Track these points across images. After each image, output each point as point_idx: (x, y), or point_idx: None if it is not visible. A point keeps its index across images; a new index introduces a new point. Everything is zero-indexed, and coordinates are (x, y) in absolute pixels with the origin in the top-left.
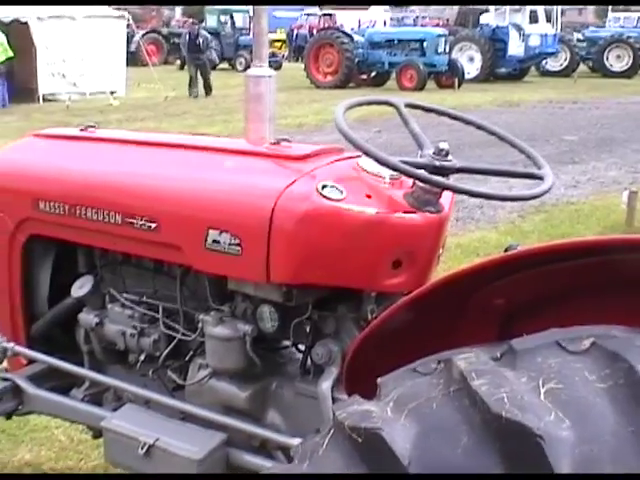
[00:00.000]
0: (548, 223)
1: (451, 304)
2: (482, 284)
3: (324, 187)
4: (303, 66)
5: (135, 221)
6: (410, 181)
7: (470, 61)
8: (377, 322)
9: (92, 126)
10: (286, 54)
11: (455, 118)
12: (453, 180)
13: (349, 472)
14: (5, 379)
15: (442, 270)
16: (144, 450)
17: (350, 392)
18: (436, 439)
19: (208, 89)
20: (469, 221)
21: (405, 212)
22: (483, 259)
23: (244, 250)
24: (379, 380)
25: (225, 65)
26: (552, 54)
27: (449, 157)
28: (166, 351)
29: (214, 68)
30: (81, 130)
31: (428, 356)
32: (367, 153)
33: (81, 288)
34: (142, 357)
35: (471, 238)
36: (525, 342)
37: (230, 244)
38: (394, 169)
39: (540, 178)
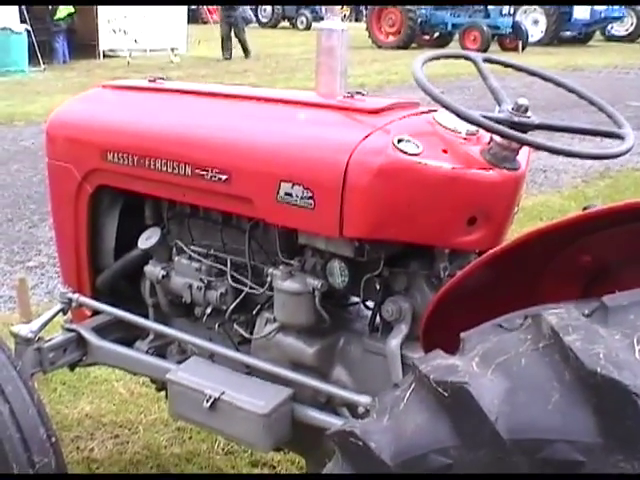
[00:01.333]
0: (613, 189)
1: (534, 261)
2: (568, 241)
3: (400, 141)
4: (365, 26)
5: (205, 173)
6: (487, 137)
7: (534, 24)
8: (457, 278)
9: (161, 78)
10: (347, 14)
11: (534, 74)
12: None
13: (432, 426)
14: (70, 330)
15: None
16: (209, 404)
17: (428, 348)
18: (525, 395)
19: (245, 51)
20: (532, 185)
21: (482, 168)
22: (568, 215)
23: (316, 204)
24: (462, 335)
25: (286, 24)
26: (618, 19)
27: (528, 113)
28: (233, 304)
29: (274, 26)
30: (150, 81)
31: (512, 312)
32: (446, 106)
33: (148, 240)
34: (208, 310)
35: (534, 202)
36: (617, 299)
37: (302, 197)
38: (474, 123)
39: (621, 137)
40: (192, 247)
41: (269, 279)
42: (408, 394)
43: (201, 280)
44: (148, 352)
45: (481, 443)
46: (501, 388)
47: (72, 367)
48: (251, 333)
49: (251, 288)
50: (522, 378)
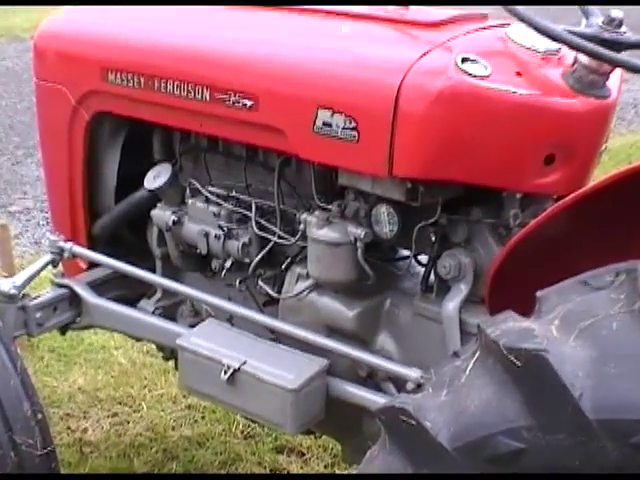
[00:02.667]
0: None
1: (626, 207)
2: None
3: (464, 61)
4: None
5: (227, 97)
6: (570, 58)
7: None
8: (531, 227)
9: None
10: None
11: None
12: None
13: (500, 402)
14: (61, 285)
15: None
16: (227, 375)
17: (494, 312)
18: (616, 366)
19: None
20: (620, 123)
21: (563, 95)
22: None
23: (361, 136)
24: (539, 294)
25: None
26: None
27: (622, 29)
28: (258, 257)
29: None
30: None
31: (599, 267)
32: (521, 18)
33: (156, 179)
34: (228, 264)
35: (622, 142)
36: None
37: (344, 128)
38: (555, 39)
39: None
40: (209, 188)
41: (302, 227)
42: (471, 364)
43: (220, 227)
44: (154, 313)
45: (560, 424)
46: (586, 357)
47: (63, 330)
48: (279, 292)
49: (280, 237)
50: (612, 346)
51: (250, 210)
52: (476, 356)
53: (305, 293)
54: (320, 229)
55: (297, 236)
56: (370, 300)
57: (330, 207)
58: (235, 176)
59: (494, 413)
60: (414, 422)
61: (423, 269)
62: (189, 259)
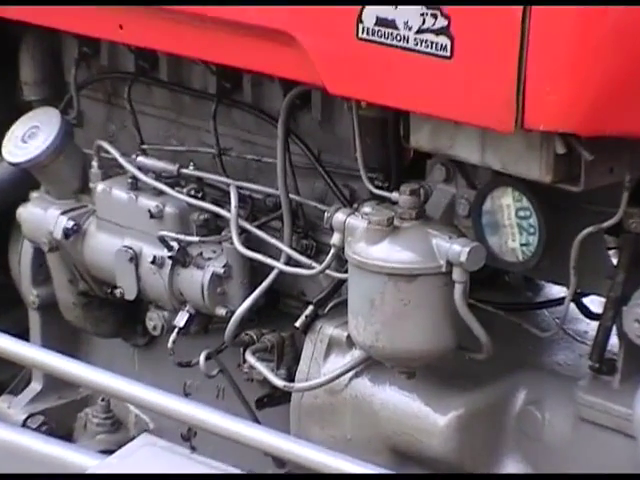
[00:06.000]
0: None
1: None
2: None
3: None
4: None
5: None
6: None
7: None
8: None
9: None
10: None
11: None
12: None
13: None
14: None
15: None
16: None
17: None
18: None
19: None
20: None
21: None
22: None
23: (457, 49)
24: None
25: None
26: None
27: None
28: (245, 305)
29: None
30: None
31: None
32: None
33: (28, 141)
34: (181, 320)
35: None
36: None
37: (426, 30)
38: None
39: None
40: (141, 159)
41: (335, 240)
42: None
43: (164, 242)
44: (27, 425)
45: None
46: None
47: None
48: (289, 378)
49: (289, 263)
50: None
51: (226, 205)
52: None
53: (346, 378)
54: (373, 244)
55: (327, 260)
56: (479, 393)
57: (392, 196)
58: (195, 135)
59: None
60: None
61: (591, 327)
62: (98, 310)
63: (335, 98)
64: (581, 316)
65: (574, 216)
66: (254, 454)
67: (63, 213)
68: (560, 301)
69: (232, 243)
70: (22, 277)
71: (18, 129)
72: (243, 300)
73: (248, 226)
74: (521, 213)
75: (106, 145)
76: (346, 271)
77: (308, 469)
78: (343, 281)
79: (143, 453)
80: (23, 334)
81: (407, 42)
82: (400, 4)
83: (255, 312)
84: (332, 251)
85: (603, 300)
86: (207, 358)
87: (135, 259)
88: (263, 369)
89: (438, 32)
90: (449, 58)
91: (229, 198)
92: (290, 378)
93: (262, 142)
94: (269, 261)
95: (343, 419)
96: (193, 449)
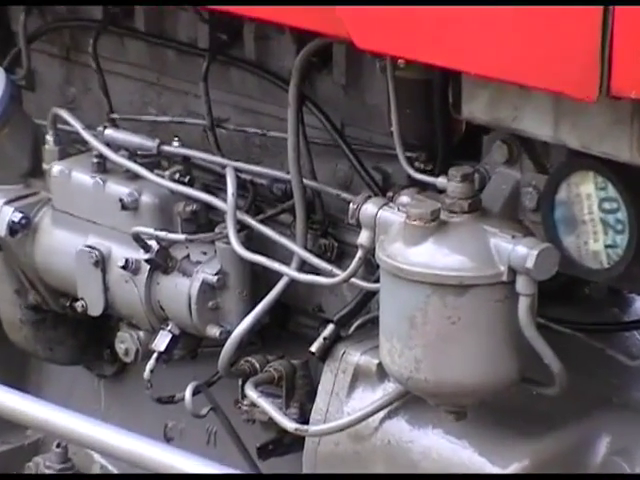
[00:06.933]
0: None
1: None
2: None
3: None
4: None
5: None
6: None
7: None
8: None
9: None
10: None
11: None
12: None
13: None
14: None
15: None
16: None
17: None
18: None
19: None
20: None
21: None
22: None
23: None
24: None
25: None
26: None
27: None
28: (245, 325)
29: None
30: None
31: None
32: None
33: None
34: (161, 343)
35: None
36: None
37: None
38: None
39: None
40: (109, 132)
41: (364, 239)
42: None
43: (139, 241)
44: None
45: None
46: None
47: None
48: (302, 419)
49: (303, 269)
50: None
51: (220, 193)
52: None
53: (377, 420)
54: (413, 245)
55: (352, 266)
56: (550, 439)
57: (437, 182)
58: (180, 101)
59: None
60: None
61: None
62: (53, 330)
63: (364, 55)
64: None
65: None
66: None
67: (8, 202)
68: None
69: (228, 242)
70: None
71: None
72: (242, 317)
73: (249, 220)
74: (606, 205)
75: (64, 114)
76: (377, 280)
77: None
78: (373, 293)
79: None
80: None
81: None
82: None
83: (258, 333)
84: (359, 254)
85: None
86: (195, 393)
87: (102, 263)
88: (268, 407)
89: None
90: None
91: (224, 184)
92: (303, 419)
93: (268, 111)
94: (276, 266)
95: (372, 472)
96: None
